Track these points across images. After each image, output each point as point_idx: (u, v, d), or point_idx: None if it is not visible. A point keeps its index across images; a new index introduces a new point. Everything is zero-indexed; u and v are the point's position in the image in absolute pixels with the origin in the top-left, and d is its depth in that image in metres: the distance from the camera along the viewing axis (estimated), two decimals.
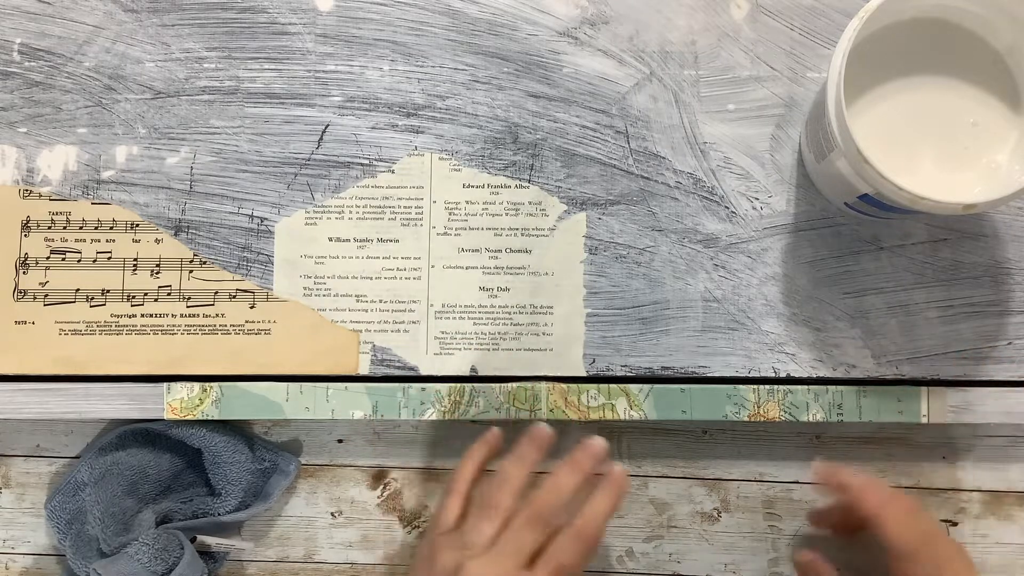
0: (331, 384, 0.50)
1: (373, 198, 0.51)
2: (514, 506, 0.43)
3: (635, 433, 0.53)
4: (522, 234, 0.51)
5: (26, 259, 0.50)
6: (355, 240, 0.51)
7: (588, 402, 0.49)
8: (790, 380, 0.50)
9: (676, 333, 0.50)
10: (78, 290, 0.50)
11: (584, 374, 0.50)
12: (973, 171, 0.44)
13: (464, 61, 0.51)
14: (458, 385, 0.49)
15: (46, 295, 0.50)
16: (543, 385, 0.50)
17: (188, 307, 0.50)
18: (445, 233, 0.51)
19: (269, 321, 0.50)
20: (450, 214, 0.51)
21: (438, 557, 0.42)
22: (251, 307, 0.50)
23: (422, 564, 0.44)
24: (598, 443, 0.45)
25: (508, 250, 0.51)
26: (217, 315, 0.50)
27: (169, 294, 0.50)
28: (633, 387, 0.49)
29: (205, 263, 0.50)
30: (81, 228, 0.50)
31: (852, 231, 0.51)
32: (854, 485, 0.44)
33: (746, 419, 0.49)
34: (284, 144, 0.51)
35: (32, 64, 0.51)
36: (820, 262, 0.51)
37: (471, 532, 0.43)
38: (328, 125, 0.51)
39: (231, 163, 0.51)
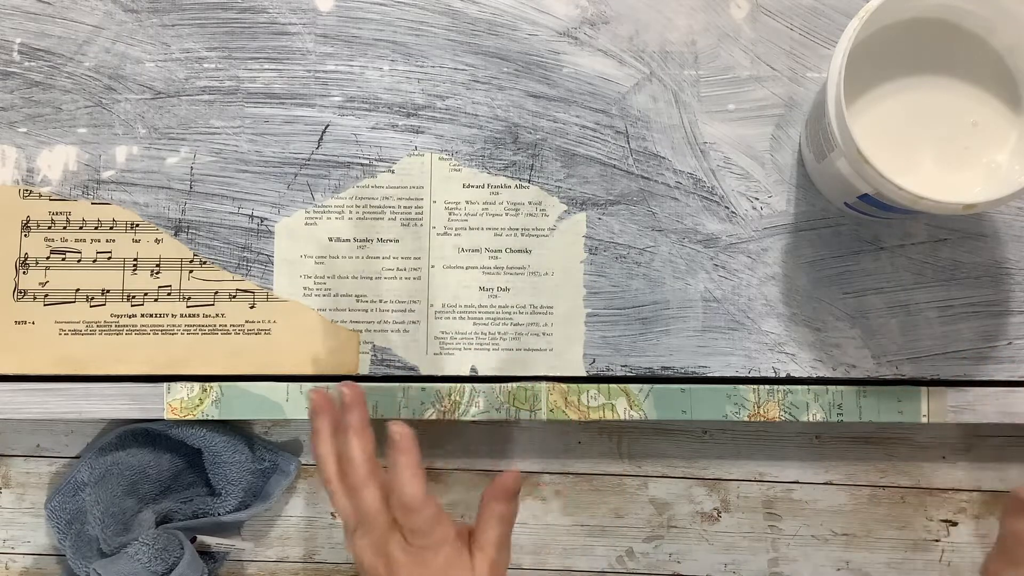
0: (331, 384, 0.50)
1: (373, 198, 0.51)
2: (373, 473, 0.43)
3: (635, 433, 0.53)
4: (522, 234, 0.51)
5: (26, 259, 0.50)
6: (355, 240, 0.51)
7: (588, 402, 0.49)
8: (790, 380, 0.50)
9: (676, 333, 0.50)
10: (78, 290, 0.50)
11: (584, 374, 0.50)
12: (973, 171, 0.44)
13: (464, 61, 0.51)
14: (458, 385, 0.49)
15: (46, 295, 0.50)
16: (543, 385, 0.50)
17: (188, 307, 0.50)
18: (445, 233, 0.51)
19: (269, 321, 0.50)
20: (450, 214, 0.51)
21: (364, 557, 0.43)
22: (251, 307, 0.50)
23: (362, 569, 0.44)
24: (346, 389, 0.43)
25: (508, 250, 0.51)
26: (217, 315, 0.50)
27: (169, 294, 0.50)
28: (633, 387, 0.49)
29: (205, 263, 0.50)
30: (81, 228, 0.50)
31: (852, 231, 0.51)
32: None
33: (746, 419, 0.49)
34: (284, 144, 0.51)
35: (32, 64, 0.51)
36: (820, 262, 0.51)
37: (345, 515, 0.43)
38: (328, 125, 0.51)
39: (231, 163, 0.51)
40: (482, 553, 0.43)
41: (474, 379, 0.50)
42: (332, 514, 0.53)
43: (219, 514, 0.50)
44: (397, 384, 0.50)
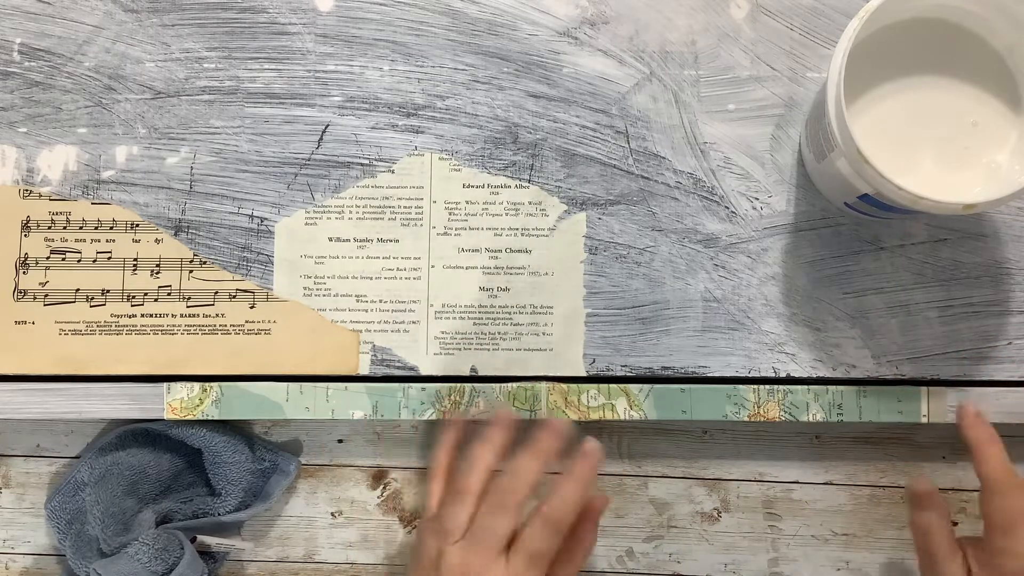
0: (331, 384, 0.50)
1: (373, 198, 0.51)
2: (482, 488, 0.43)
3: (635, 433, 0.53)
4: (522, 234, 0.51)
5: (26, 259, 0.50)
6: (355, 240, 0.51)
7: (588, 402, 0.49)
8: (790, 380, 0.50)
9: (676, 333, 0.50)
10: (78, 290, 0.50)
11: (584, 374, 0.50)
12: (973, 171, 0.44)
13: (464, 61, 0.51)
14: (458, 385, 0.49)
15: (46, 295, 0.50)
16: (543, 385, 0.50)
17: (188, 307, 0.50)
18: (445, 233, 0.51)
19: (269, 321, 0.50)
20: (450, 214, 0.51)
21: (422, 544, 0.43)
22: (251, 307, 0.50)
23: (412, 552, 0.45)
24: (560, 423, 0.44)
25: (508, 250, 0.51)
26: (217, 315, 0.50)
27: (169, 294, 0.50)
28: (633, 387, 0.49)
29: (205, 263, 0.50)
30: (81, 228, 0.50)
31: (852, 231, 0.51)
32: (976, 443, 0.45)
33: (746, 419, 0.49)
34: (284, 144, 0.51)
35: (32, 64, 0.51)
36: (820, 262, 0.51)
37: (447, 518, 0.43)
38: (328, 125, 0.51)
39: (231, 163, 0.51)
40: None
41: (474, 379, 0.50)
42: (332, 514, 0.53)
43: (219, 514, 0.50)
44: (397, 384, 0.50)
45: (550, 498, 0.42)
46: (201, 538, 0.49)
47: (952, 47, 0.45)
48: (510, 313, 0.51)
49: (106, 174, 0.51)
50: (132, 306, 0.50)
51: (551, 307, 0.51)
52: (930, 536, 0.46)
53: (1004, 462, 0.44)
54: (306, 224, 0.51)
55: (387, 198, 0.51)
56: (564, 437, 0.44)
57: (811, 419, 0.49)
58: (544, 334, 0.51)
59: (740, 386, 0.49)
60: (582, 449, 0.44)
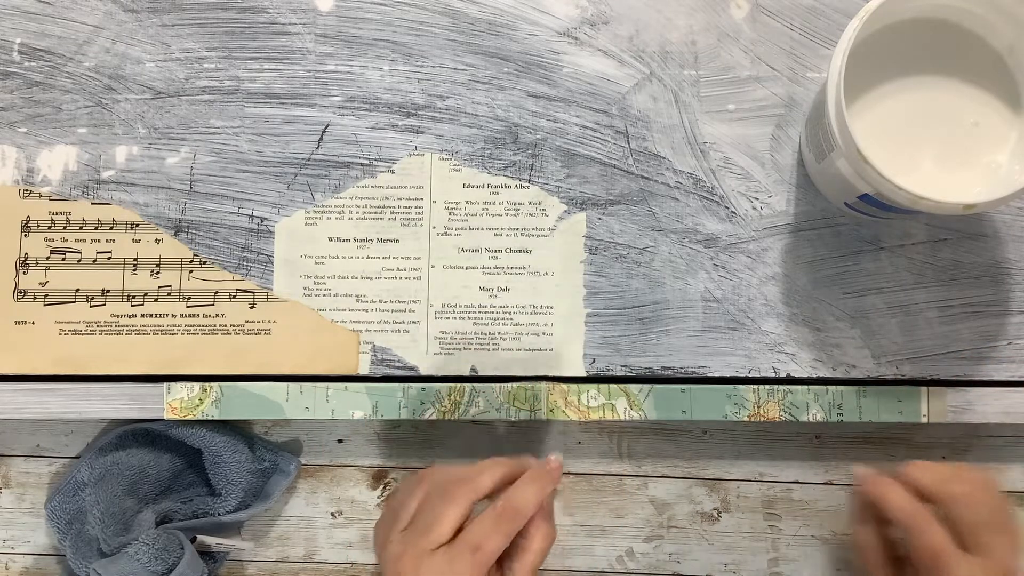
0: (331, 384, 0.50)
1: (373, 198, 0.51)
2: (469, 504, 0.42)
3: (635, 433, 0.53)
4: (522, 234, 0.51)
5: (26, 259, 0.50)
6: (355, 240, 0.51)
7: (588, 402, 0.49)
8: (790, 380, 0.50)
9: (676, 333, 0.50)
10: (78, 290, 0.50)
11: (584, 374, 0.50)
12: (973, 171, 0.44)
13: (464, 61, 0.51)
14: (458, 385, 0.49)
15: (46, 295, 0.50)
16: (543, 385, 0.50)
17: (188, 307, 0.50)
18: (445, 233, 0.51)
19: (269, 321, 0.50)
20: (450, 214, 0.51)
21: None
22: (251, 307, 0.50)
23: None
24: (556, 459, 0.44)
25: (508, 250, 0.51)
26: (217, 315, 0.50)
27: (169, 294, 0.50)
28: (633, 387, 0.49)
29: (205, 263, 0.50)
30: (81, 228, 0.50)
31: (852, 231, 0.51)
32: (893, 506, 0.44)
33: (746, 419, 0.49)
34: (284, 144, 0.51)
35: (32, 64, 0.51)
36: (820, 262, 0.51)
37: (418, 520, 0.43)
38: (328, 125, 0.51)
39: (231, 163, 0.51)
40: None
41: (474, 379, 0.50)
42: (332, 514, 0.53)
43: (219, 514, 0.50)
44: (397, 384, 0.50)
45: (507, 494, 0.42)
46: (201, 538, 0.49)
47: (952, 47, 0.45)
48: (510, 313, 0.51)
49: (106, 174, 0.51)
50: (132, 306, 0.50)
51: (551, 307, 0.51)
52: (865, 551, 0.46)
53: (907, 503, 0.44)
54: (306, 224, 0.51)
55: (387, 198, 0.51)
56: (554, 477, 0.44)
57: (811, 419, 0.49)
58: (544, 334, 0.51)
59: (740, 386, 0.49)
60: (548, 460, 0.44)
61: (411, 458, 0.53)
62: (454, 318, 0.51)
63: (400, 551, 0.41)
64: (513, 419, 0.49)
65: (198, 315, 0.50)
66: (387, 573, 0.41)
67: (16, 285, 0.50)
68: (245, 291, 0.50)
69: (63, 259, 0.50)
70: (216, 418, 0.49)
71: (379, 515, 0.45)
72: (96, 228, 0.50)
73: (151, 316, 0.50)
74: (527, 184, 0.51)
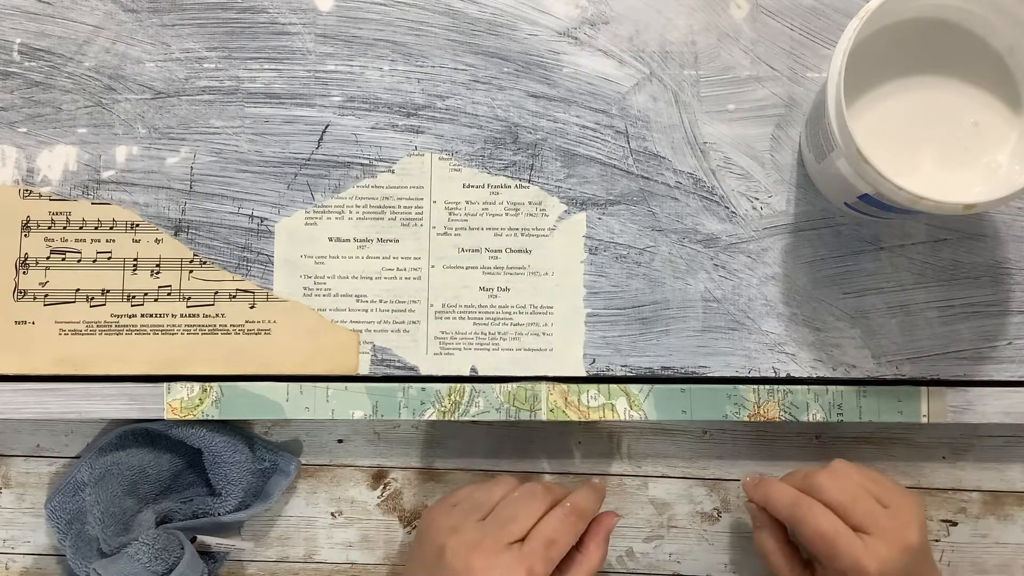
0: (331, 384, 0.50)
1: (373, 198, 0.51)
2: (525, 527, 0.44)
3: (635, 433, 0.53)
4: (522, 234, 0.51)
5: (26, 259, 0.50)
6: (355, 240, 0.51)
7: (588, 402, 0.49)
8: (790, 380, 0.50)
9: (676, 333, 0.50)
10: (78, 290, 0.50)
11: (584, 374, 0.50)
12: (973, 171, 0.44)
13: (464, 61, 0.51)
14: (458, 385, 0.49)
15: (46, 295, 0.50)
16: (543, 385, 0.50)
17: (188, 307, 0.50)
18: (445, 233, 0.51)
19: (269, 321, 0.50)
20: (450, 214, 0.51)
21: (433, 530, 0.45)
22: (251, 307, 0.50)
23: (419, 538, 0.46)
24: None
25: (508, 250, 0.51)
26: (217, 315, 0.50)
27: (169, 294, 0.50)
28: (633, 387, 0.49)
29: (205, 263, 0.50)
30: (81, 228, 0.50)
31: (852, 231, 0.51)
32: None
33: (746, 419, 0.49)
34: (284, 144, 0.51)
35: (32, 64, 0.51)
36: (820, 262, 0.51)
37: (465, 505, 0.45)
38: (328, 125, 0.51)
39: (231, 163, 0.51)
40: None
41: (474, 379, 0.50)
42: (332, 514, 0.53)
43: (219, 514, 0.50)
44: (397, 384, 0.50)
45: (572, 496, 0.45)
46: (201, 538, 0.49)
47: (952, 47, 0.45)
48: (510, 313, 0.51)
49: (106, 174, 0.51)
50: (132, 306, 0.50)
51: (551, 307, 0.51)
52: (769, 557, 0.47)
53: (788, 493, 0.44)
54: (306, 224, 0.51)
55: (387, 198, 0.51)
56: (598, 499, 0.47)
57: (811, 419, 0.49)
58: (544, 334, 0.51)
59: (740, 386, 0.49)
60: (592, 481, 0.48)
61: (411, 458, 0.53)
62: (454, 318, 0.51)
63: (477, 539, 0.43)
64: (513, 419, 0.49)
65: (198, 315, 0.50)
66: (455, 559, 0.42)
67: (16, 285, 0.50)
68: (245, 291, 0.50)
69: (63, 259, 0.50)
70: (216, 418, 0.49)
71: (437, 501, 0.47)
72: (96, 228, 0.50)
73: (151, 316, 0.50)
74: (527, 184, 0.51)
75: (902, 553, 0.42)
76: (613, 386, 0.49)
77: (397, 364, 0.50)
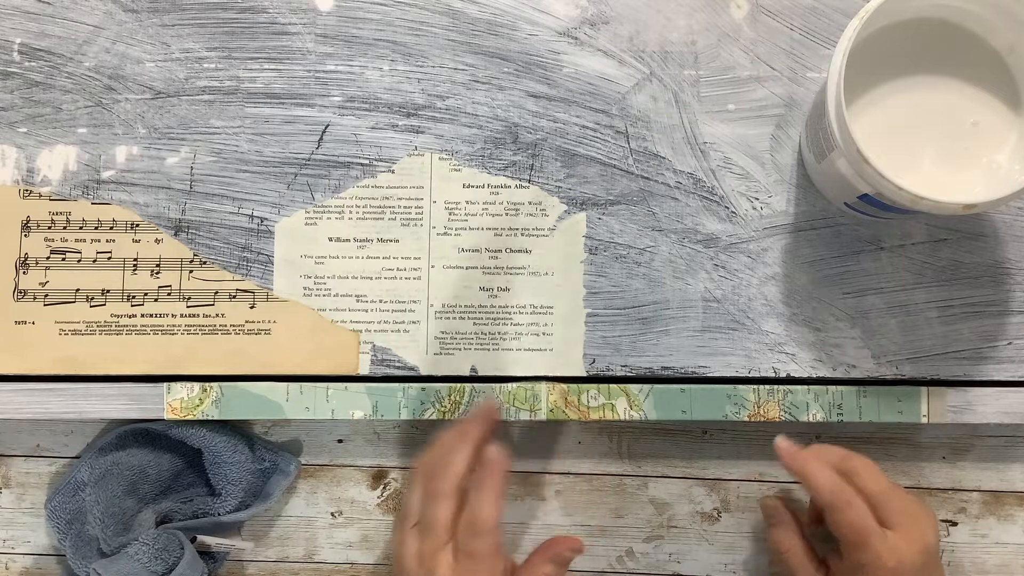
0: (331, 384, 0.50)
1: (373, 198, 0.51)
2: (458, 490, 0.44)
3: (635, 433, 0.53)
4: (522, 234, 0.51)
5: (26, 259, 0.50)
6: (355, 240, 0.51)
7: (588, 402, 0.49)
8: (790, 380, 0.50)
9: (676, 333, 0.50)
10: (78, 290, 0.50)
11: (584, 374, 0.50)
12: (973, 171, 0.44)
13: (464, 61, 0.51)
14: (458, 385, 0.49)
15: (46, 295, 0.50)
16: (543, 385, 0.50)
17: (188, 307, 0.50)
18: (445, 233, 0.51)
19: (269, 321, 0.50)
20: (450, 214, 0.51)
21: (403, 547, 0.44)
22: (251, 307, 0.50)
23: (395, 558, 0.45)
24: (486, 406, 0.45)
25: (508, 250, 0.51)
26: (217, 315, 0.50)
27: (169, 294, 0.50)
28: (633, 387, 0.49)
29: (205, 263, 0.50)
30: (81, 228, 0.50)
31: (852, 231, 0.51)
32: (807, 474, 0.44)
33: (746, 419, 0.49)
34: (284, 144, 0.51)
35: (32, 64, 0.51)
36: (820, 262, 0.51)
37: (411, 512, 0.44)
38: (328, 125, 0.51)
39: (231, 163, 0.51)
40: None
41: (474, 379, 0.50)
42: (332, 514, 0.53)
43: (219, 514, 0.50)
44: (397, 384, 0.50)
45: (467, 509, 0.43)
46: (201, 538, 0.49)
47: (952, 47, 0.45)
48: (510, 313, 0.51)
49: (106, 174, 0.51)
50: (132, 306, 0.50)
51: (551, 307, 0.51)
52: (781, 552, 0.46)
53: (832, 478, 0.44)
54: (306, 224, 0.51)
55: (387, 198, 0.51)
56: (487, 417, 0.45)
57: (811, 419, 0.49)
58: (544, 334, 0.51)
59: (740, 386, 0.49)
60: (485, 458, 0.44)
61: (411, 458, 0.53)
62: (454, 318, 0.51)
63: (416, 549, 0.43)
64: (513, 419, 0.49)
65: (198, 315, 0.50)
66: (407, 569, 0.43)
67: (16, 285, 0.50)
68: (245, 291, 0.50)
69: (63, 259, 0.50)
70: (216, 418, 0.49)
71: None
72: (96, 228, 0.50)
73: (151, 316, 0.50)
74: (527, 184, 0.51)
75: (920, 553, 0.42)
76: (613, 386, 0.49)
77: (397, 364, 0.50)
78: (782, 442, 0.45)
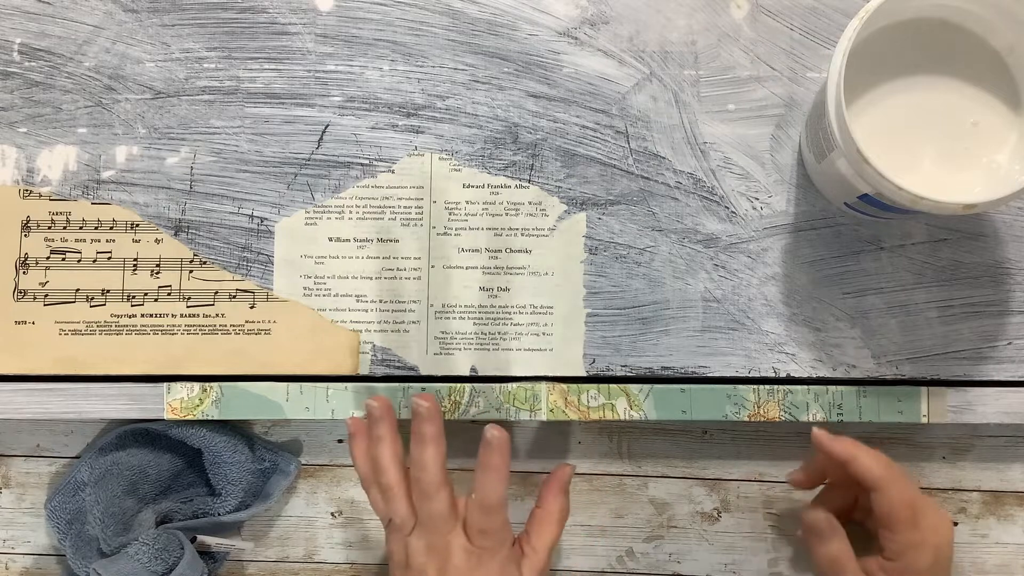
0: (331, 384, 0.50)
1: (373, 198, 0.51)
2: (403, 476, 0.45)
3: (635, 433, 0.53)
4: (522, 234, 0.51)
5: (26, 259, 0.50)
6: (355, 240, 0.51)
7: (588, 402, 0.49)
8: (790, 380, 0.50)
9: (676, 333, 0.50)
10: (78, 290, 0.50)
11: (584, 374, 0.50)
12: (973, 171, 0.44)
13: (464, 61, 0.51)
14: (458, 385, 0.49)
15: (46, 295, 0.50)
16: (543, 385, 0.50)
17: (188, 307, 0.50)
18: (445, 233, 0.51)
19: (269, 321, 0.50)
20: (450, 214, 0.51)
21: (389, 548, 0.46)
22: (251, 307, 0.50)
23: (388, 560, 0.47)
24: (422, 407, 0.44)
25: (508, 250, 0.51)
26: (217, 315, 0.50)
27: (169, 294, 0.50)
28: (633, 387, 0.49)
29: (205, 263, 0.50)
30: (81, 228, 0.50)
31: (852, 231, 0.51)
32: (855, 456, 0.45)
33: (746, 419, 0.49)
34: (284, 144, 0.51)
35: (32, 64, 0.51)
36: (820, 262, 0.51)
37: (393, 516, 0.45)
38: (328, 125, 0.51)
39: (231, 163, 0.51)
40: (534, 556, 0.45)
41: (474, 379, 0.50)
42: (332, 514, 0.53)
43: (219, 514, 0.50)
44: (397, 384, 0.50)
45: (476, 490, 0.44)
46: (201, 538, 0.49)
47: (952, 47, 0.45)
48: (510, 313, 0.51)
49: (106, 174, 0.51)
50: (132, 306, 0.50)
51: (551, 307, 0.51)
52: (839, 565, 0.45)
53: (877, 457, 0.44)
54: (306, 224, 0.51)
55: (387, 198, 0.51)
56: (435, 415, 0.44)
57: (811, 419, 0.49)
58: (544, 334, 0.51)
59: (740, 386, 0.49)
60: (484, 439, 0.44)
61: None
62: (454, 318, 0.51)
63: (419, 545, 0.44)
64: (513, 419, 0.49)
65: (198, 315, 0.50)
66: (414, 567, 0.44)
67: (16, 285, 0.50)
68: (245, 291, 0.50)
69: (63, 259, 0.50)
70: (216, 418, 0.49)
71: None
72: (96, 228, 0.50)
73: (151, 316, 0.50)
74: (527, 184, 0.51)
75: (948, 546, 0.45)
76: (613, 386, 0.49)
77: (397, 364, 0.50)
78: (820, 431, 0.46)
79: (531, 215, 0.51)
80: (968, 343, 0.50)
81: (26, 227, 0.50)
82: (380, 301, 0.51)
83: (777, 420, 0.49)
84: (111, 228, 0.50)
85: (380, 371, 0.50)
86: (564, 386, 0.50)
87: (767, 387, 0.49)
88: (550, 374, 0.50)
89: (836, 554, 0.45)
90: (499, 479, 0.43)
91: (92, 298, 0.50)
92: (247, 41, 0.51)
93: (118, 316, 0.50)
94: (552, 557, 0.47)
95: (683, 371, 0.50)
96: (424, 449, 0.44)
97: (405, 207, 0.51)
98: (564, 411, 0.49)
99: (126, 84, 0.51)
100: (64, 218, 0.50)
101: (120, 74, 0.51)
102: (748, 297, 0.50)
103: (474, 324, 0.51)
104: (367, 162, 0.51)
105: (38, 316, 0.50)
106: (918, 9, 0.44)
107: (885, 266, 0.50)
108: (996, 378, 0.50)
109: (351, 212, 0.51)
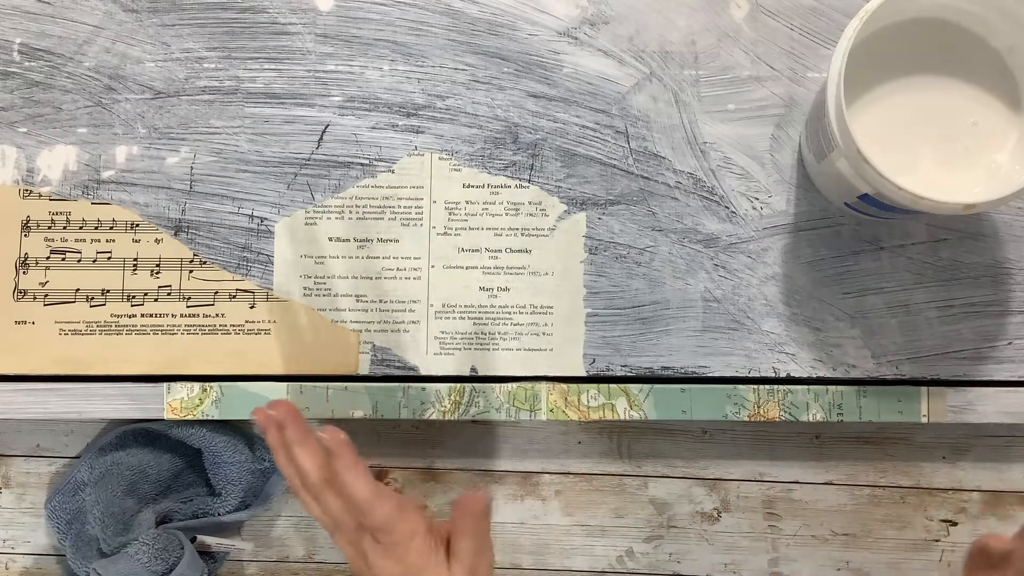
0: (331, 384, 0.50)
1: (373, 198, 0.51)
2: (323, 473, 0.42)
3: (635, 433, 0.53)
4: (522, 234, 0.51)
5: (26, 259, 0.50)
6: (355, 240, 0.51)
7: (588, 402, 0.49)
8: (790, 380, 0.50)
9: (676, 333, 0.50)
10: (78, 290, 0.50)
11: (584, 374, 0.50)
12: (973, 171, 0.44)
13: (464, 61, 0.51)
14: (458, 385, 0.49)
15: (46, 295, 0.50)
16: (543, 385, 0.50)
17: (188, 307, 0.50)
18: (445, 233, 0.51)
19: (269, 321, 0.50)
20: (450, 214, 0.51)
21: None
22: (251, 307, 0.50)
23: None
24: (325, 435, 0.42)
25: (508, 250, 0.51)
26: (217, 315, 0.50)
27: (169, 294, 0.50)
28: (633, 387, 0.49)
29: (205, 263, 0.50)
30: (81, 228, 0.50)
31: (852, 231, 0.51)
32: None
33: (746, 419, 0.49)
34: (284, 144, 0.51)
35: (32, 64, 0.51)
36: (820, 262, 0.51)
37: (332, 517, 0.42)
38: (328, 125, 0.51)
39: (231, 163, 0.51)
40: (458, 559, 0.41)
41: (474, 379, 0.50)
42: None
43: (219, 514, 0.50)
44: (397, 384, 0.50)
45: (344, 495, 0.41)
46: (201, 538, 0.49)
47: (952, 47, 0.45)
48: (510, 313, 0.51)
49: (106, 174, 0.51)
50: (132, 306, 0.50)
51: (551, 307, 0.51)
52: None
53: None
54: (306, 224, 0.51)
55: (387, 198, 0.51)
56: (343, 445, 0.42)
57: (811, 419, 0.49)
58: (544, 334, 0.51)
59: (740, 386, 0.49)
60: (325, 444, 0.41)
61: (411, 458, 0.53)
62: (454, 318, 0.51)
63: (351, 553, 0.42)
64: (513, 419, 0.49)
65: (198, 315, 0.50)
66: (357, 572, 0.42)
67: (16, 285, 0.50)
68: (245, 291, 0.50)
69: (63, 259, 0.50)
70: (216, 418, 0.49)
71: None
72: (96, 228, 0.50)
73: (151, 316, 0.50)
74: (527, 184, 0.51)
75: None
76: (613, 386, 0.49)
77: (397, 364, 0.50)
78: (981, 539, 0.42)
79: (531, 215, 0.51)
80: (968, 343, 0.50)
81: (26, 227, 0.50)
82: (380, 301, 0.51)
83: (777, 420, 0.49)
84: (111, 228, 0.50)
85: (380, 371, 0.50)
86: (564, 386, 0.50)
87: (767, 387, 0.49)
88: (550, 374, 0.50)
89: None
90: (353, 478, 0.41)
91: (92, 298, 0.50)
92: (247, 41, 0.51)
93: (118, 316, 0.50)
94: (489, 553, 0.42)
95: (683, 371, 0.50)
96: (295, 454, 0.41)
97: (405, 207, 0.51)
98: (564, 411, 0.49)
99: (126, 84, 0.51)
100: (64, 218, 0.50)
101: (120, 74, 0.51)
102: (748, 297, 0.50)
103: (474, 324, 0.51)
104: (367, 162, 0.51)
105: (38, 316, 0.50)
106: (918, 9, 0.44)
107: (885, 266, 0.50)
108: (996, 378, 0.50)
109: (351, 212, 0.51)
